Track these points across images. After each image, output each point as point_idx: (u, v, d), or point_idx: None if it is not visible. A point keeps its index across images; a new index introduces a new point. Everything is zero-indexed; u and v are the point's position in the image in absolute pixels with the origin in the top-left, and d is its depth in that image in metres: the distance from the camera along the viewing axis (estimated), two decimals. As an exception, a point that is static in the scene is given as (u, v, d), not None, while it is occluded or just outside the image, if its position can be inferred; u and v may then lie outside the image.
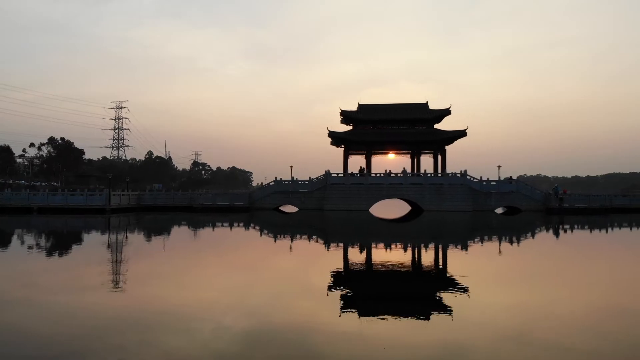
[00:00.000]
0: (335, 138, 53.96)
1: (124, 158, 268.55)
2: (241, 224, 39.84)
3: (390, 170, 52.99)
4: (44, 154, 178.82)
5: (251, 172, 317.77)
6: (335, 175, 52.69)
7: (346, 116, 53.04)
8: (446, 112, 52.20)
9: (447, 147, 54.42)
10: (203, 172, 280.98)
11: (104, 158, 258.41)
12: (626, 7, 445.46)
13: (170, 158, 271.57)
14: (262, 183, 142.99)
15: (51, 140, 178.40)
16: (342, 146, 54.99)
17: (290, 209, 53.69)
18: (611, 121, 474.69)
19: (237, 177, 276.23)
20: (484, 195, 50.40)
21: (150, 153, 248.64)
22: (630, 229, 39.28)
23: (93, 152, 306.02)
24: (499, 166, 54.42)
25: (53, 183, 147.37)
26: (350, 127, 53.77)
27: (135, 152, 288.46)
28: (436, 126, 53.88)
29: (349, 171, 55.31)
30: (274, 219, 44.46)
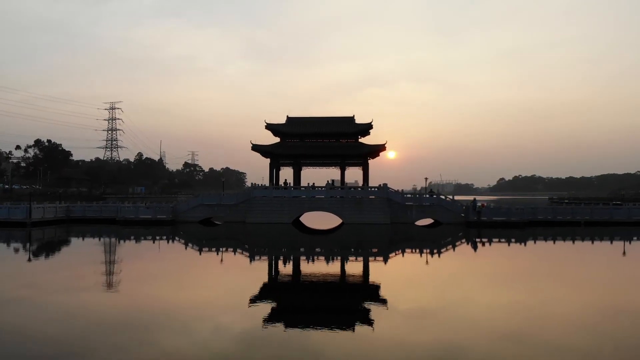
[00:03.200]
0: (261, 151, 54.73)
1: (117, 159, 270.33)
2: (147, 238, 41.03)
3: (313, 183, 53.82)
4: (30, 156, 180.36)
5: (245, 173, 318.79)
6: (259, 188, 53.58)
7: (273, 129, 53.78)
8: (369, 126, 53.01)
9: (378, 158, 55.96)
10: (195, 173, 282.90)
11: (97, 159, 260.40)
12: (626, 7, 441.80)
13: (161, 159, 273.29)
14: (254, 184, 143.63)
15: (37, 142, 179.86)
16: (269, 159, 55.77)
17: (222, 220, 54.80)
18: (610, 122, 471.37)
19: (229, 178, 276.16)
20: (405, 208, 51.04)
21: (140, 154, 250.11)
22: (534, 242, 41.12)
23: (87, 153, 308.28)
24: (425, 178, 55.25)
25: (35, 186, 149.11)
26: (278, 139, 54.47)
27: (129, 152, 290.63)
28: (362, 140, 54.68)
29: (282, 183, 56.59)
30: (193, 232, 46.05)
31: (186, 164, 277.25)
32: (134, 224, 50.66)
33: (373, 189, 52.20)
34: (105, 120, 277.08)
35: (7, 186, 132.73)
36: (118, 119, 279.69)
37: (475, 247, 37.73)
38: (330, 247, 37.31)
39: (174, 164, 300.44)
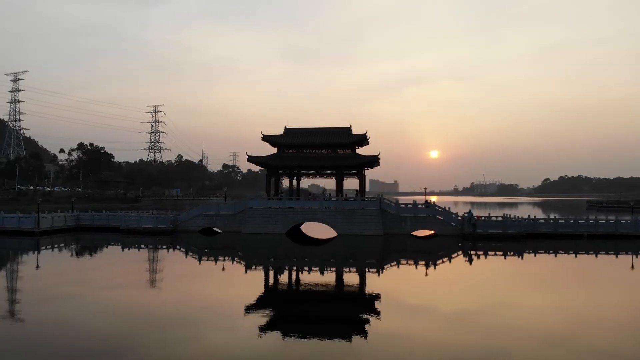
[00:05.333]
0: (257, 163, 55.76)
1: (160, 160, 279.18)
2: (147, 246, 42.90)
3: (313, 194, 54.35)
4: (74, 159, 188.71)
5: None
6: (255, 198, 54.65)
7: (270, 140, 54.62)
8: (364, 136, 52.97)
9: (371, 170, 55.52)
10: (233, 174, 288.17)
11: (140, 161, 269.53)
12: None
13: (201, 161, 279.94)
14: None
15: (80, 145, 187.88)
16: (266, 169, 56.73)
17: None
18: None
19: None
20: (399, 219, 50.74)
21: (180, 156, 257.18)
22: (535, 255, 41.09)
23: (130, 155, 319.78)
24: (424, 189, 54.44)
25: (76, 189, 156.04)
26: (276, 150, 55.28)
27: (171, 154, 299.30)
28: (358, 150, 54.80)
29: (282, 193, 57.56)
30: (190, 242, 47.97)
31: (225, 166, 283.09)
32: (137, 233, 52.66)
33: (366, 200, 52.25)
34: (148, 122, 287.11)
35: (47, 189, 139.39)
36: (161, 121, 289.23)
37: (470, 261, 38.06)
38: (315, 262, 38.26)
39: (216, 165, 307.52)
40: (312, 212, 51.58)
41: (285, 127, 55.82)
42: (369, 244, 46.38)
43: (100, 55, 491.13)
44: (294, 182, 59.93)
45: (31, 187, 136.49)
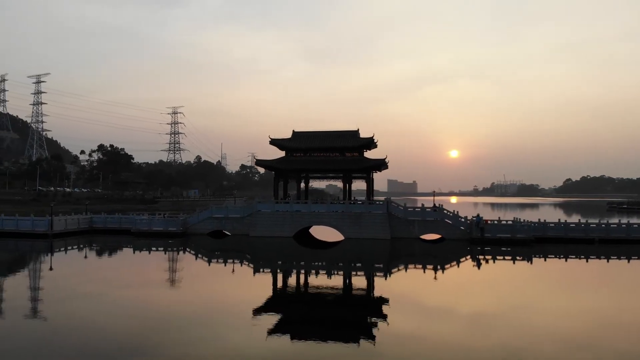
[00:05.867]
0: (265, 166, 56.15)
1: (180, 161, 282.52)
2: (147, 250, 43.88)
3: (332, 195, 54.48)
4: (94, 160, 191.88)
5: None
6: (263, 202, 55.11)
7: (278, 144, 54.98)
8: (371, 140, 52.91)
9: (375, 174, 55.43)
10: (251, 174, 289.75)
11: (160, 162, 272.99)
12: None
13: (219, 161, 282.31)
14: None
15: (100, 147, 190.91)
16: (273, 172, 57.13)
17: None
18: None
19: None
20: (407, 223, 50.61)
21: (198, 157, 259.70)
22: (545, 259, 41.04)
23: (150, 156, 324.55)
24: (433, 192, 54.13)
25: (96, 189, 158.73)
26: (284, 154, 55.63)
27: (191, 155, 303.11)
28: (366, 153, 54.79)
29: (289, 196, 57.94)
30: (201, 244, 49.00)
31: (242, 166, 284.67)
32: (147, 235, 53.50)
33: (374, 203, 52.28)
34: (168, 124, 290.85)
35: (68, 189, 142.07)
36: (180, 122, 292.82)
37: (478, 266, 38.18)
38: (322, 266, 38.97)
39: (234, 166, 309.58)
40: (319, 216, 51.80)
41: (294, 130, 56.15)
42: (376, 248, 46.46)
43: (120, 57, 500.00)
44: (302, 185, 60.08)
45: (52, 188, 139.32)
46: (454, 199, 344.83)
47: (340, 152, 53.63)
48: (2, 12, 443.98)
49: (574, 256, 43.45)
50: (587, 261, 42.01)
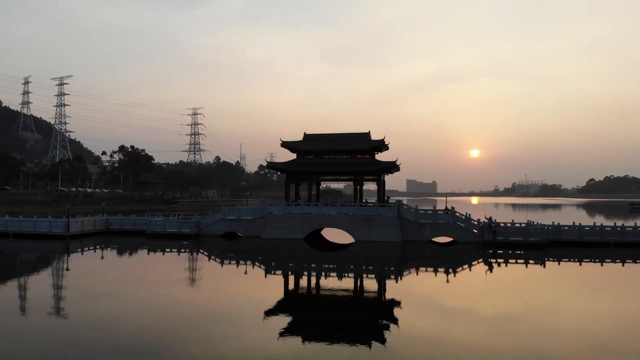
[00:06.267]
0: (277, 169, 56.50)
1: (200, 162, 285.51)
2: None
3: (333, 199, 54.74)
4: (115, 161, 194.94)
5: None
6: (274, 204, 55.51)
7: (289, 146, 55.29)
8: (382, 142, 52.81)
9: (386, 176, 55.32)
10: (269, 174, 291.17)
11: (181, 162, 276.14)
12: None
13: (238, 162, 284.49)
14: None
15: (121, 148, 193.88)
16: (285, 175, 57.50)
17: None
18: None
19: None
20: (418, 226, 50.40)
21: (218, 158, 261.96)
22: (559, 263, 40.73)
23: (171, 157, 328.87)
24: (446, 194, 53.64)
25: (117, 190, 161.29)
26: (295, 156, 55.93)
27: (210, 155, 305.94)
28: (377, 156, 54.73)
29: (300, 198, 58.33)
30: (214, 246, 49.78)
31: (261, 166, 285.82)
32: (162, 237, 54.32)
33: (384, 206, 52.20)
34: (188, 125, 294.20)
35: (89, 190, 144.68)
36: (200, 123, 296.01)
37: (490, 269, 37.93)
38: (333, 268, 39.36)
39: (254, 166, 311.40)
40: (329, 218, 51.92)
41: (305, 133, 56.42)
42: (387, 251, 46.43)
43: (141, 59, 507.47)
44: (312, 187, 60.39)
45: (73, 189, 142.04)
46: (474, 200, 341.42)
47: (351, 155, 53.70)
48: (27, 17, 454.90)
49: (588, 260, 42.90)
50: (601, 265, 41.47)
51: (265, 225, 52.64)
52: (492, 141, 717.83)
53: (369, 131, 54.73)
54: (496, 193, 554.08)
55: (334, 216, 51.64)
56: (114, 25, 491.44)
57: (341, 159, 53.77)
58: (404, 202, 59.84)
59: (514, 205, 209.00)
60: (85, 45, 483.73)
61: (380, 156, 55.02)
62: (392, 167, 52.91)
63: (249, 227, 53.89)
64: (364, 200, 56.41)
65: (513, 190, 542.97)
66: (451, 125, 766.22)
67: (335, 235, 54.06)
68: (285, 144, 55.14)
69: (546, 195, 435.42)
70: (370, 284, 33.56)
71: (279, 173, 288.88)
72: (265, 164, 59.35)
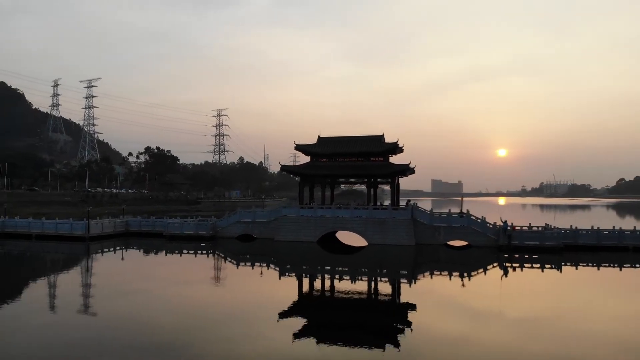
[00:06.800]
0: (290, 172, 56.87)
1: (224, 162, 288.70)
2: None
3: (347, 202, 54.92)
4: (141, 162, 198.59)
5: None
6: (288, 206, 55.94)
7: (303, 149, 55.63)
8: (396, 145, 52.64)
9: (401, 179, 55.19)
10: (291, 175, 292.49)
11: (206, 162, 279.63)
12: None
13: (261, 162, 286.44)
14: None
15: (147, 149, 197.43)
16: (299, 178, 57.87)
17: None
18: None
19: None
20: (432, 229, 50.10)
21: (241, 158, 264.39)
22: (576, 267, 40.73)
23: (198, 157, 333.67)
24: (461, 197, 53.22)
25: (142, 191, 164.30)
26: (309, 159, 56.28)
27: (235, 156, 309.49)
28: (391, 158, 54.63)
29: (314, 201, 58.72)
30: (230, 248, 50.56)
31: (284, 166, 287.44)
32: (179, 238, 55.32)
33: (397, 209, 52.08)
34: (213, 126, 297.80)
35: (115, 191, 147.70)
36: (224, 124, 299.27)
37: (505, 274, 37.94)
38: (346, 271, 39.57)
39: (277, 167, 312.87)
40: (343, 221, 52.05)
41: (319, 136, 56.64)
42: (400, 254, 46.36)
43: (166, 61, 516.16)
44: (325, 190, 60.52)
45: (99, 190, 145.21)
46: (501, 200, 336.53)
47: (364, 157, 53.71)
48: (56, 22, 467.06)
49: (606, 264, 42.17)
50: (620, 270, 40.79)
51: (279, 227, 53.11)
52: (519, 140, 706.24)
53: (383, 134, 54.68)
54: (523, 193, 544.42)
55: (347, 219, 51.76)
56: (139, 28, 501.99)
57: (355, 162, 53.85)
58: (429, 202, 59.82)
59: (541, 206, 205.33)
60: (112, 48, 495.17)
61: (395, 159, 54.97)
62: (406, 169, 52.73)
63: (264, 230, 54.40)
64: (378, 203, 56.35)
65: (541, 191, 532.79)
66: (477, 125, 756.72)
67: (349, 238, 54.19)
68: (299, 147, 55.51)
69: (575, 196, 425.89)
70: (384, 287, 33.85)
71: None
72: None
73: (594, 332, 19.88)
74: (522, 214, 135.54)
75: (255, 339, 18.36)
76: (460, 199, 68.26)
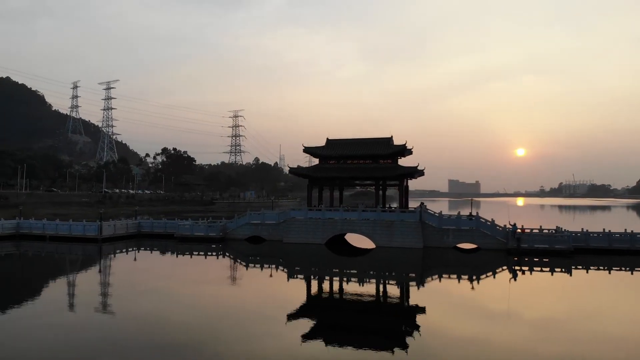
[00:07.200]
0: (299, 174, 57.14)
1: (241, 163, 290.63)
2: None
3: (359, 204, 55.18)
4: (158, 163, 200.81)
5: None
6: (296, 209, 56.28)
7: (311, 152, 55.87)
8: (404, 147, 52.59)
9: (409, 181, 55.07)
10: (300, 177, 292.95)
11: (222, 163, 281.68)
12: None
13: (276, 163, 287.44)
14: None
15: (164, 150, 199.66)
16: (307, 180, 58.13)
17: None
18: None
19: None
20: (441, 232, 49.88)
21: (256, 159, 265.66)
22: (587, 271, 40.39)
23: (214, 158, 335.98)
24: (471, 199, 52.95)
25: (159, 191, 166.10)
26: (317, 161, 56.50)
27: (251, 157, 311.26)
28: (400, 161, 54.54)
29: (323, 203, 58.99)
30: (240, 249, 51.27)
31: (299, 167, 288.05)
32: (190, 240, 55.97)
33: (405, 211, 51.98)
34: (229, 127, 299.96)
35: (131, 191, 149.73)
36: (241, 125, 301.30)
37: (514, 277, 37.78)
38: (353, 274, 39.77)
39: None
40: (350, 223, 52.14)
41: (327, 138, 56.84)
42: (408, 256, 46.29)
43: (183, 63, 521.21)
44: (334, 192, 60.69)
45: (116, 190, 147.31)
46: (520, 200, 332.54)
47: (373, 160, 53.72)
48: (75, 24, 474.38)
49: (617, 268, 41.58)
50: (632, 273, 40.22)
51: (287, 229, 53.43)
52: (537, 140, 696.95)
53: (392, 136, 54.63)
54: (542, 193, 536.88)
55: (354, 221, 51.84)
56: (158, 30, 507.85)
57: (363, 164, 53.90)
58: (446, 203, 59.77)
59: (560, 207, 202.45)
60: (130, 50, 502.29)
61: (405, 160, 54.92)
62: (414, 172, 52.61)
63: (273, 231, 54.77)
64: (387, 205, 56.33)
65: (560, 191, 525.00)
66: (495, 124, 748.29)
67: (357, 240, 54.27)
68: (307, 150, 55.78)
69: (595, 196, 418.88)
70: (392, 289, 33.89)
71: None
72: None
73: (605, 335, 19.86)
74: (540, 215, 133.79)
75: (273, 338, 19.05)
76: (477, 199, 67.67)
